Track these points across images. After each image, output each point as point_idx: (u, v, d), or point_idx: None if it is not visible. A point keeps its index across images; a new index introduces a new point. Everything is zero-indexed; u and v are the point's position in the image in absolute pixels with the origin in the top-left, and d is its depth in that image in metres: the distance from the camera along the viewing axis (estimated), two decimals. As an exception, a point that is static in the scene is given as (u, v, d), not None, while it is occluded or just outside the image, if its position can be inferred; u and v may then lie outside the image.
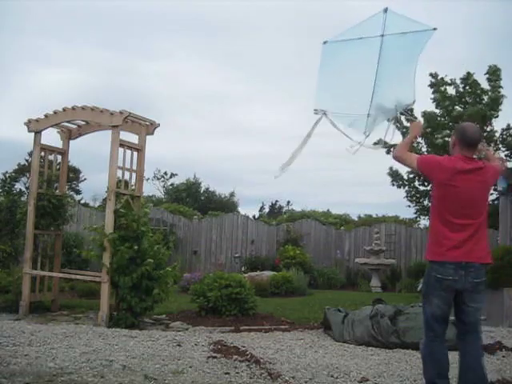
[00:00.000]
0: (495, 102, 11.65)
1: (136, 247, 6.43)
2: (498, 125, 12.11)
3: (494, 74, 11.83)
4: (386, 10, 3.70)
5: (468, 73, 12.02)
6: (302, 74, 36.51)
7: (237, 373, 4.11)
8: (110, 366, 4.16)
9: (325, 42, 3.91)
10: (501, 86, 11.80)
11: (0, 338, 4.95)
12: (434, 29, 3.62)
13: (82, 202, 22.20)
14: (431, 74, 12.21)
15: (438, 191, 3.51)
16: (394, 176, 12.69)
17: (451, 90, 12.18)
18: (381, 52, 3.75)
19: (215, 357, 4.60)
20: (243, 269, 13.45)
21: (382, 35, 3.72)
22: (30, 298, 7.18)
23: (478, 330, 3.46)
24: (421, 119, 12.11)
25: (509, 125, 12.04)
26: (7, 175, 11.06)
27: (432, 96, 12.42)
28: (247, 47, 37.02)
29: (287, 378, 4.01)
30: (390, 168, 12.86)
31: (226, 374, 4.07)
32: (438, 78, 12.19)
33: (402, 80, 3.83)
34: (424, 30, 3.65)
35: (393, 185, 12.80)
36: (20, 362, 4.17)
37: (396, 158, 3.71)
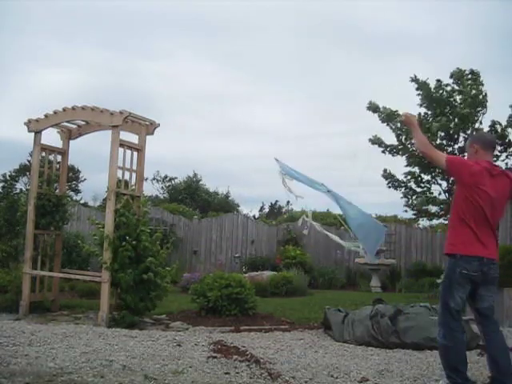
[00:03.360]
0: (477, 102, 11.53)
1: (136, 246, 6.44)
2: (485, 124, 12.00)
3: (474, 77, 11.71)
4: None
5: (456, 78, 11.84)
6: (302, 74, 36.54)
7: (237, 373, 4.11)
8: (110, 365, 4.16)
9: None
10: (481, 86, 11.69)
11: (0, 338, 4.96)
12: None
13: (82, 201, 22.14)
14: (413, 78, 12.00)
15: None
16: (389, 178, 12.55)
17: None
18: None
19: (215, 357, 4.60)
20: (243, 269, 13.45)
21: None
22: (29, 298, 7.18)
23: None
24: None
25: (493, 121, 11.92)
26: (7, 175, 11.04)
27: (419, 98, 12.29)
28: (247, 47, 36.94)
29: (287, 378, 4.02)
30: (384, 170, 12.69)
31: (226, 373, 4.07)
32: (420, 80, 11.96)
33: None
34: None
35: (389, 187, 12.66)
36: (20, 361, 4.17)
37: (424, 153, 3.98)
